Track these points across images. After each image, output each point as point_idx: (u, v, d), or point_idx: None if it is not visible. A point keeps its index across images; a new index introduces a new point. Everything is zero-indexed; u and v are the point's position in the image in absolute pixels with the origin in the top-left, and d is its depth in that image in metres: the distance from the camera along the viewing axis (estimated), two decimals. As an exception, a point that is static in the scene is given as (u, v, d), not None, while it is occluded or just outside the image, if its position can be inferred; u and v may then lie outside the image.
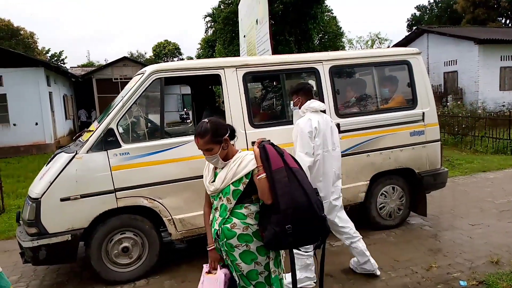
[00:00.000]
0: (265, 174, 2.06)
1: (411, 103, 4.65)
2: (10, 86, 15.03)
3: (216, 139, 2.10)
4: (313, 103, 3.36)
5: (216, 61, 4.10)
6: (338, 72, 4.50)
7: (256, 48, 10.58)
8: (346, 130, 4.28)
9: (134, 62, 25.81)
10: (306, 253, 3.14)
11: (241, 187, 2.12)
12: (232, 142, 2.21)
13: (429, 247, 4.14)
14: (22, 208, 3.89)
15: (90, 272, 3.79)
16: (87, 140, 3.59)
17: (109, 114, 3.68)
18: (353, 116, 4.40)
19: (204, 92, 5.68)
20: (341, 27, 28.48)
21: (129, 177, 3.61)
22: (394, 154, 4.50)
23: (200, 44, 39.17)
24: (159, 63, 4.25)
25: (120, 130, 3.68)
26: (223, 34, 22.50)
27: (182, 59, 46.26)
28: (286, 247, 2.12)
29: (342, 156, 4.24)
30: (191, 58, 45.19)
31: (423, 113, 4.61)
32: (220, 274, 2.20)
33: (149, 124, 4.29)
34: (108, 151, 3.57)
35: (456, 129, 10.95)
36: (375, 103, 4.66)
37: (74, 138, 4.38)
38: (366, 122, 4.38)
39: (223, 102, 4.06)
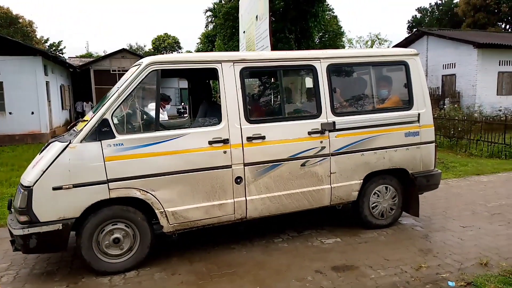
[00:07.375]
0: None
1: (407, 104, 4.65)
2: (7, 74, 14.94)
3: None
4: None
5: (213, 55, 4.08)
6: (336, 70, 4.49)
7: (255, 44, 10.54)
8: (342, 129, 4.29)
9: (133, 54, 25.73)
10: None
11: None
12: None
13: (420, 248, 4.16)
14: (14, 196, 3.87)
15: (80, 262, 3.78)
16: (81, 129, 3.57)
17: (104, 104, 3.67)
18: (349, 115, 4.41)
19: (201, 86, 5.65)
20: (341, 27, 28.52)
21: (122, 168, 3.59)
22: (388, 154, 4.51)
23: (200, 38, 39.06)
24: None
25: (115, 120, 3.66)
26: (223, 29, 22.42)
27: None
28: None
29: (337, 155, 4.27)
30: (190, 52, 44.94)
31: (419, 114, 4.62)
32: None
33: (144, 116, 4.27)
34: (102, 141, 3.55)
35: (452, 132, 10.98)
36: (372, 103, 4.66)
37: (68, 127, 4.36)
38: (362, 121, 4.39)
39: (219, 96, 4.05)
